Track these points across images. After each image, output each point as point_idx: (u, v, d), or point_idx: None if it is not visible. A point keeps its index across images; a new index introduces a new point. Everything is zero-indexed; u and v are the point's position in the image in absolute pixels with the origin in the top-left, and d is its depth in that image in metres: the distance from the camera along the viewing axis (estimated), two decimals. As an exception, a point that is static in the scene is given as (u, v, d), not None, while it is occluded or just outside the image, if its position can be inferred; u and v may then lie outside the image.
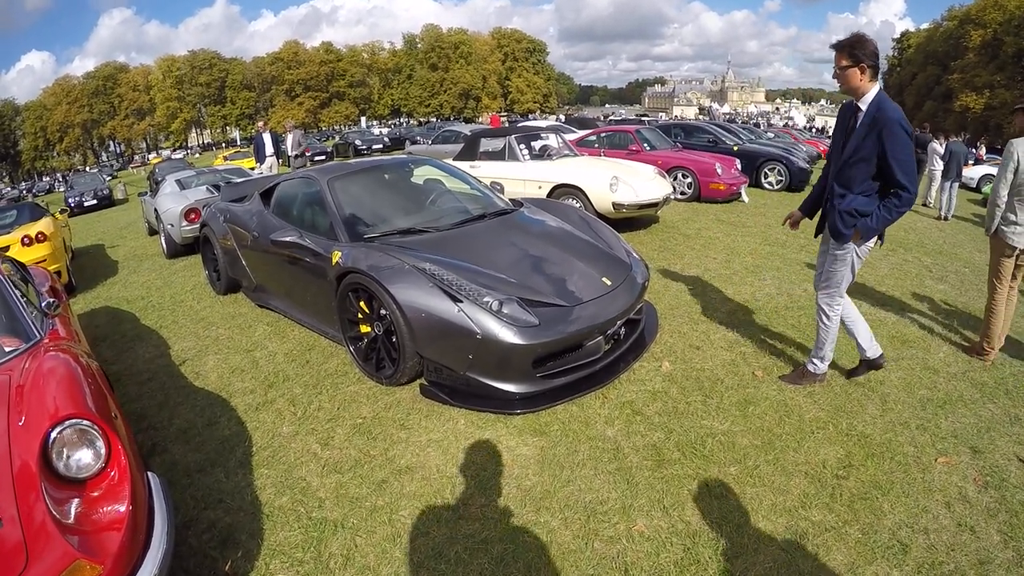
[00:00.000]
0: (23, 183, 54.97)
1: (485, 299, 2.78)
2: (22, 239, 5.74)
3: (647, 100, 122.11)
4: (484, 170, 7.07)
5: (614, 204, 6.28)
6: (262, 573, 2.06)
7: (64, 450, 1.79)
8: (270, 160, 11.15)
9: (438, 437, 2.78)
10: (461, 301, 2.78)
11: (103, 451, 1.81)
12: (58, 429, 1.80)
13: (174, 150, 63.25)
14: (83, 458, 1.80)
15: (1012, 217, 3.29)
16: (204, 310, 4.97)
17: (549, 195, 6.62)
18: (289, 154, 11.91)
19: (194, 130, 73.67)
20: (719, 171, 8.68)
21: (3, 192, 47.01)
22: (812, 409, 2.90)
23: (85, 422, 1.84)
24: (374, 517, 2.28)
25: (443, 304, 2.80)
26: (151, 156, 61.75)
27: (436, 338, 2.88)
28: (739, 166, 9.34)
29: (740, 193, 8.89)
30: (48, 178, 48.61)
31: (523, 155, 7.22)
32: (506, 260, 3.23)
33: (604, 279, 3.21)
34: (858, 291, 4.64)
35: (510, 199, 4.37)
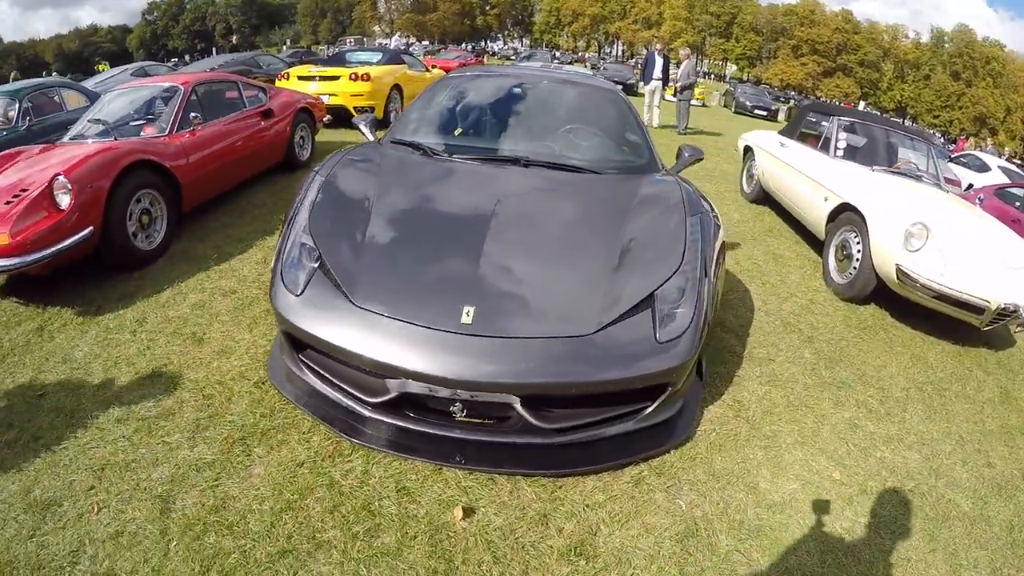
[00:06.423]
0: (527, 49, 67.58)
1: (296, 237, 2.29)
2: (351, 74, 6.95)
3: None
4: (789, 155, 5.41)
5: (899, 268, 3.55)
6: None
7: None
8: (655, 83, 10.59)
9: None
10: (289, 234, 2.35)
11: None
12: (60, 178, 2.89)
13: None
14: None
15: None
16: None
17: (832, 217, 4.34)
18: (676, 83, 11.33)
19: (696, 56, 76.13)
20: None
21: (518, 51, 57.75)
22: None
23: (61, 178, 2.88)
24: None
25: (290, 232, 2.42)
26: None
27: None
28: None
29: None
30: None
31: (837, 149, 4.94)
32: (437, 222, 2.47)
33: (467, 309, 1.99)
34: None
35: (666, 168, 3.14)
